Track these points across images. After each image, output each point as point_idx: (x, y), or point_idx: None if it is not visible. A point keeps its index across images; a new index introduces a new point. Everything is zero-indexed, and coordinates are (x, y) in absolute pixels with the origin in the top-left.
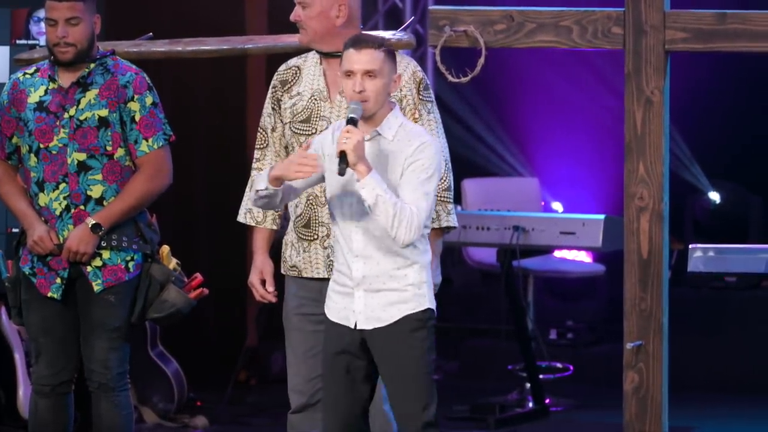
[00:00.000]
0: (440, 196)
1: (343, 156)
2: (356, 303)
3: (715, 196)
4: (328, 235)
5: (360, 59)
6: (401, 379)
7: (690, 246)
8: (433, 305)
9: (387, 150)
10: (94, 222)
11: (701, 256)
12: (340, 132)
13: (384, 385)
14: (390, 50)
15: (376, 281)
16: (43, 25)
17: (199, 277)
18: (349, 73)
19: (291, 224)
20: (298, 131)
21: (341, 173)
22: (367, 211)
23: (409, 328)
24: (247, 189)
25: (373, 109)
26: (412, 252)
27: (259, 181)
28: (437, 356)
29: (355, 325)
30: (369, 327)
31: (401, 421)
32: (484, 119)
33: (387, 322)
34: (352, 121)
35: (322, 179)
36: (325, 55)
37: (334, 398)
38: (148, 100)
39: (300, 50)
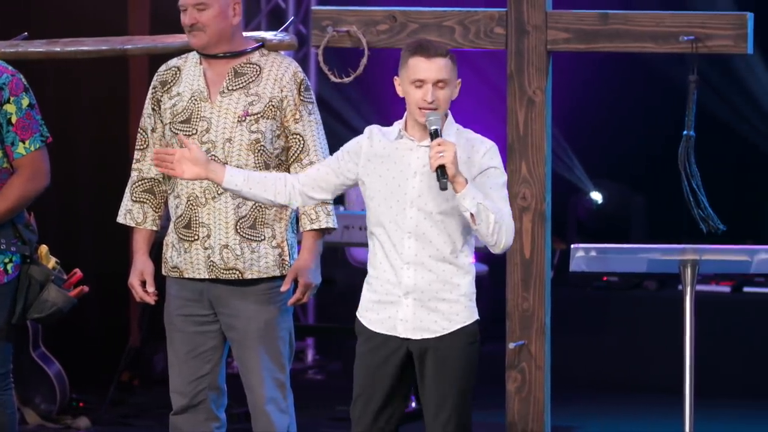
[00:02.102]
0: None
1: (441, 170)
2: (404, 311)
3: (597, 196)
4: (208, 236)
5: (431, 68)
6: (447, 395)
7: (572, 246)
8: (478, 316)
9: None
10: None
11: (583, 255)
12: (378, 135)
13: (423, 398)
14: (453, 56)
15: (428, 290)
16: None
17: (78, 272)
18: (418, 83)
19: (172, 225)
20: (179, 131)
21: (444, 188)
22: (426, 218)
23: (463, 343)
24: (127, 190)
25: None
26: (465, 262)
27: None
28: (320, 357)
29: (402, 335)
30: (417, 337)
31: None
32: (367, 119)
33: (437, 334)
34: (437, 133)
35: (350, 184)
36: (206, 56)
37: (374, 413)
38: (25, 102)
39: (181, 51)
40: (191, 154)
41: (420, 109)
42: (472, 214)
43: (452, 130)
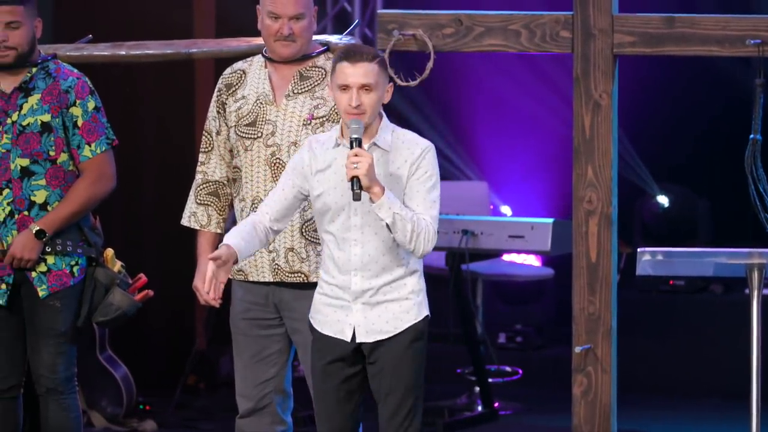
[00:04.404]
0: None
1: (356, 181)
2: (355, 316)
3: (663, 199)
4: (273, 239)
5: (355, 73)
6: (397, 391)
7: (638, 249)
8: (428, 312)
9: (386, 160)
10: (38, 228)
11: (649, 259)
12: (317, 147)
13: (375, 394)
14: (383, 61)
15: (376, 294)
16: None
17: (143, 278)
18: (344, 87)
19: None
20: (244, 135)
21: (357, 198)
22: (371, 225)
23: (410, 339)
24: (191, 192)
25: (368, 122)
26: (411, 261)
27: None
28: None
29: (353, 339)
30: (370, 340)
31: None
32: (433, 123)
33: (390, 334)
34: (357, 142)
35: (304, 198)
36: (273, 60)
37: (329, 410)
38: (90, 104)
39: (246, 54)
40: (225, 268)
41: (347, 113)
42: (388, 224)
43: (386, 132)
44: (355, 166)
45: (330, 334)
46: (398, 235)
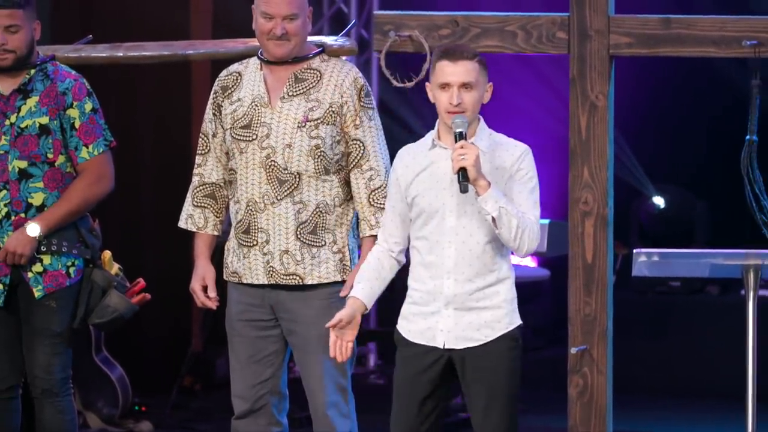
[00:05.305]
0: (376, 202)
1: (462, 173)
2: (445, 322)
3: (659, 200)
4: (267, 241)
5: (456, 71)
6: (493, 400)
7: (634, 250)
8: (520, 320)
9: (485, 161)
10: (32, 224)
11: (646, 260)
12: (408, 156)
13: (470, 406)
14: (482, 60)
15: (468, 299)
16: None
17: (141, 282)
18: (444, 86)
19: (232, 230)
20: (239, 137)
21: (464, 190)
22: (465, 226)
23: (504, 347)
24: (188, 195)
25: (469, 122)
26: (504, 267)
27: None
28: (382, 362)
29: (444, 345)
30: (460, 347)
31: None
32: (430, 124)
33: (480, 342)
34: (461, 136)
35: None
36: (268, 62)
37: (408, 422)
38: (88, 106)
39: (243, 56)
40: (351, 325)
41: (448, 113)
42: (493, 218)
43: (484, 134)
44: (462, 157)
45: (421, 342)
46: (503, 231)
